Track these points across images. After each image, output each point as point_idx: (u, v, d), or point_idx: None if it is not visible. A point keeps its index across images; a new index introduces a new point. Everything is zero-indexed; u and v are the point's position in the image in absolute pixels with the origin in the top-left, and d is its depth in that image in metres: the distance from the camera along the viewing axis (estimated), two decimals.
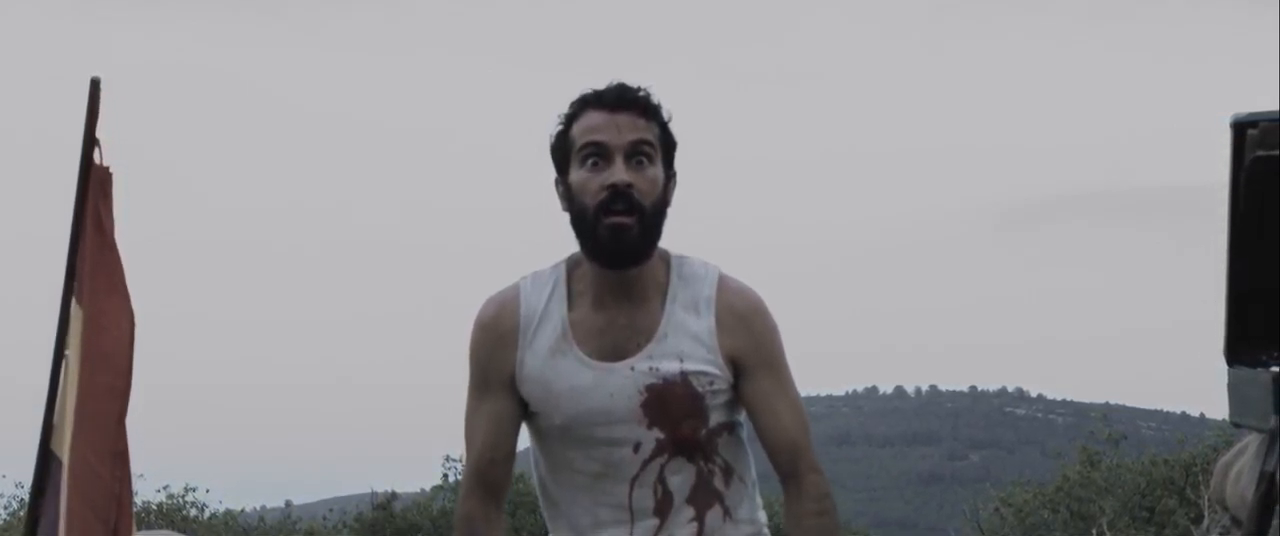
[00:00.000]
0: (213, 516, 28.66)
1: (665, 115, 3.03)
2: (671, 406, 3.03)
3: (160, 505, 27.43)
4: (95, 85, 4.48)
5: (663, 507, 3.09)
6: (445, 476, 28.15)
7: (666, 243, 3.06)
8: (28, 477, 4.62)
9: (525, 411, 3.10)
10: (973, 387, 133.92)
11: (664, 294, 3.05)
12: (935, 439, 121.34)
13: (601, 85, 3.03)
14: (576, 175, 3.00)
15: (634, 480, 3.07)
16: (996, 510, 26.88)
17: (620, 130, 2.98)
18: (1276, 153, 3.44)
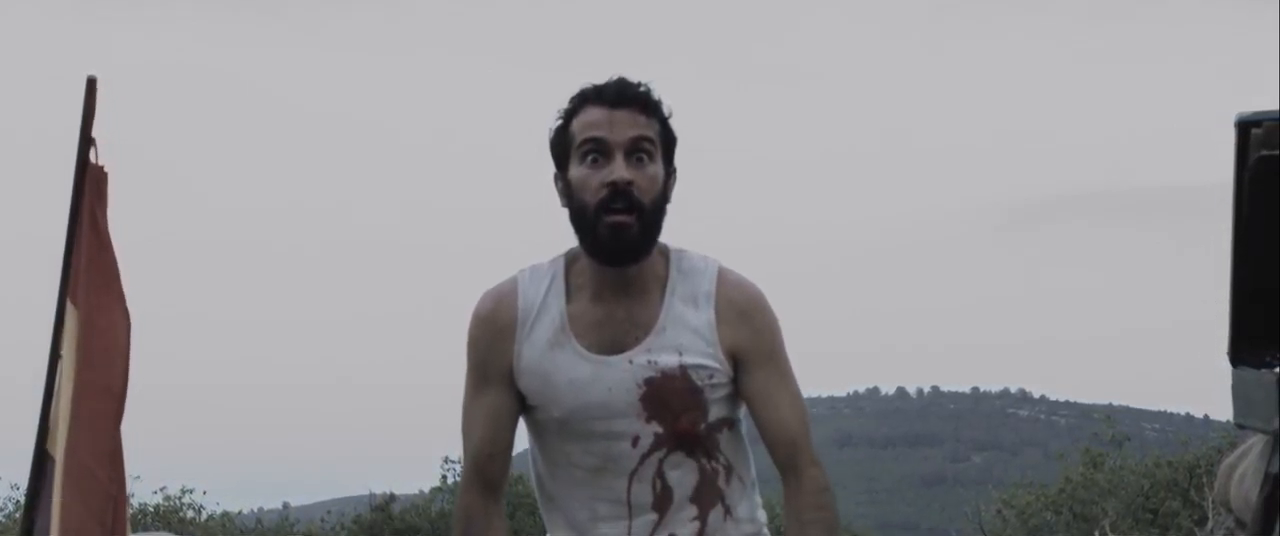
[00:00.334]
0: (210, 518, 28.56)
1: (665, 111, 3.01)
2: (670, 400, 3.00)
3: (157, 507, 27.34)
4: (91, 84, 4.45)
5: (661, 503, 3.06)
6: (444, 478, 28.06)
7: (666, 239, 3.03)
8: (23, 478, 4.60)
9: (523, 405, 3.08)
10: (975, 389, 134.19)
11: (663, 287, 3.03)
12: (937, 440, 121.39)
13: (602, 80, 3.00)
14: (576, 171, 2.97)
15: (632, 474, 3.05)
16: (999, 512, 26.83)
17: (620, 127, 2.96)
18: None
